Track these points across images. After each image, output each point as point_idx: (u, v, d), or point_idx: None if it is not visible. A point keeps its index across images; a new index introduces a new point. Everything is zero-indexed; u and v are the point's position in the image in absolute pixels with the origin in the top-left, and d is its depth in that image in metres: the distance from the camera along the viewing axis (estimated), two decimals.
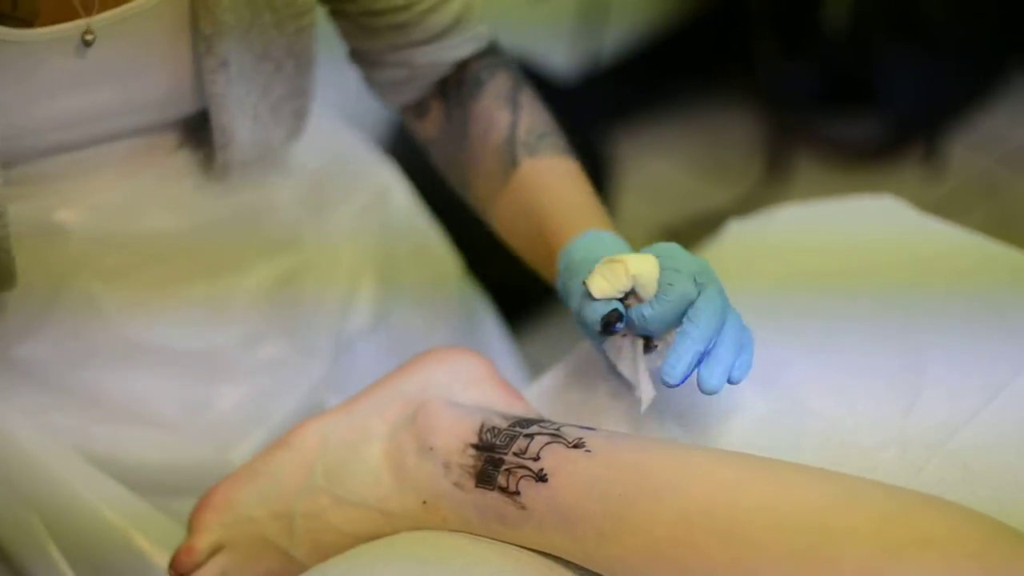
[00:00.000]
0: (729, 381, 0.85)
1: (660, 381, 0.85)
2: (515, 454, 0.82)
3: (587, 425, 0.87)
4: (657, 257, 0.87)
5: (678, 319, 0.85)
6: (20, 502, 1.02)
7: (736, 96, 2.49)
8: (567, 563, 0.83)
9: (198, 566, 0.91)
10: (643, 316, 0.85)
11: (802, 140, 2.41)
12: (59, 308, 1.04)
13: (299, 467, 0.90)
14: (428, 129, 1.12)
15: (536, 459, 0.82)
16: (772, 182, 2.34)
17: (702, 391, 0.84)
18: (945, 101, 2.39)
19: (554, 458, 0.82)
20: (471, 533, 0.85)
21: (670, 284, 0.85)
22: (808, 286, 1.10)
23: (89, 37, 0.92)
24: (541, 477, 0.81)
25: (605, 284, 0.86)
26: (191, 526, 0.94)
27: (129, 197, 1.06)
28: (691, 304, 0.85)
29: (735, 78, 2.47)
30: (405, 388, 0.93)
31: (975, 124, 2.43)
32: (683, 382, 0.84)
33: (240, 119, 1.04)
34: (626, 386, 0.96)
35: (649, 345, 0.89)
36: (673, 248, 0.88)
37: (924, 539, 0.72)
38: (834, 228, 1.19)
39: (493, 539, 0.84)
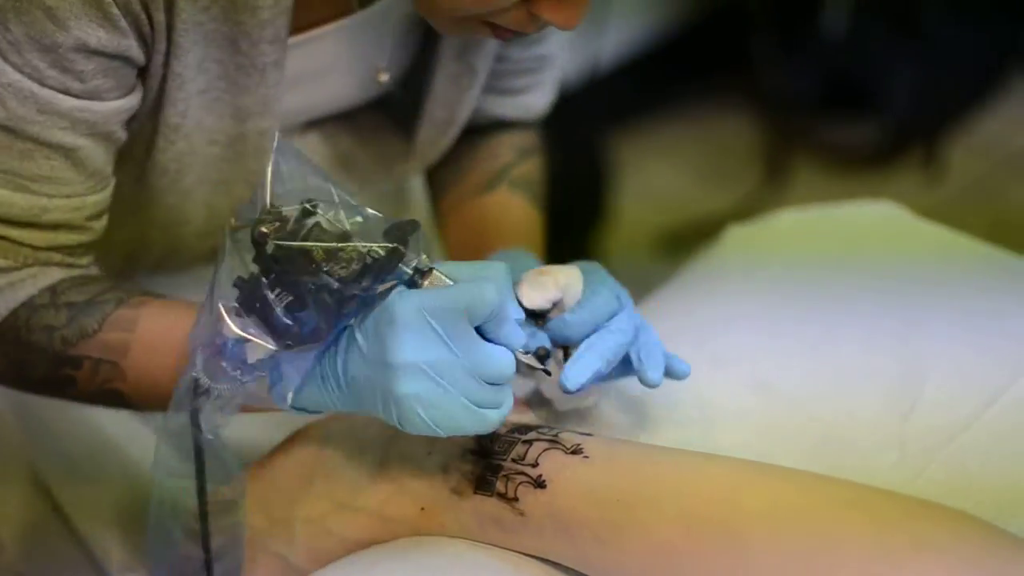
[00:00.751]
0: (651, 383, 0.87)
1: (564, 384, 0.85)
2: (513, 460, 0.82)
3: (585, 431, 0.87)
4: (581, 271, 0.88)
5: (595, 328, 0.86)
6: (89, 478, 1.06)
7: (735, 100, 2.49)
8: (566, 569, 0.83)
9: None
10: (564, 322, 0.86)
11: (801, 144, 2.42)
12: None
13: (298, 473, 0.90)
14: None
15: (534, 465, 0.82)
16: (771, 186, 2.35)
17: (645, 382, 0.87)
18: (944, 106, 2.40)
19: (552, 464, 0.82)
20: (470, 539, 0.84)
21: (595, 294, 0.87)
22: (807, 290, 1.10)
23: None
24: (539, 483, 0.81)
25: (534, 294, 0.87)
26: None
27: None
28: (613, 315, 0.87)
29: (734, 82, 2.47)
30: None
31: (974, 129, 2.43)
32: (584, 387, 0.85)
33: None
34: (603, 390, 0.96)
35: (567, 355, 0.88)
36: (596, 266, 0.90)
37: (923, 544, 0.72)
38: (833, 233, 1.19)
39: (492, 545, 0.84)
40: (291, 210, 0.77)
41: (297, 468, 0.90)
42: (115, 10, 0.83)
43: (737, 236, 1.21)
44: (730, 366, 1.01)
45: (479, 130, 1.17)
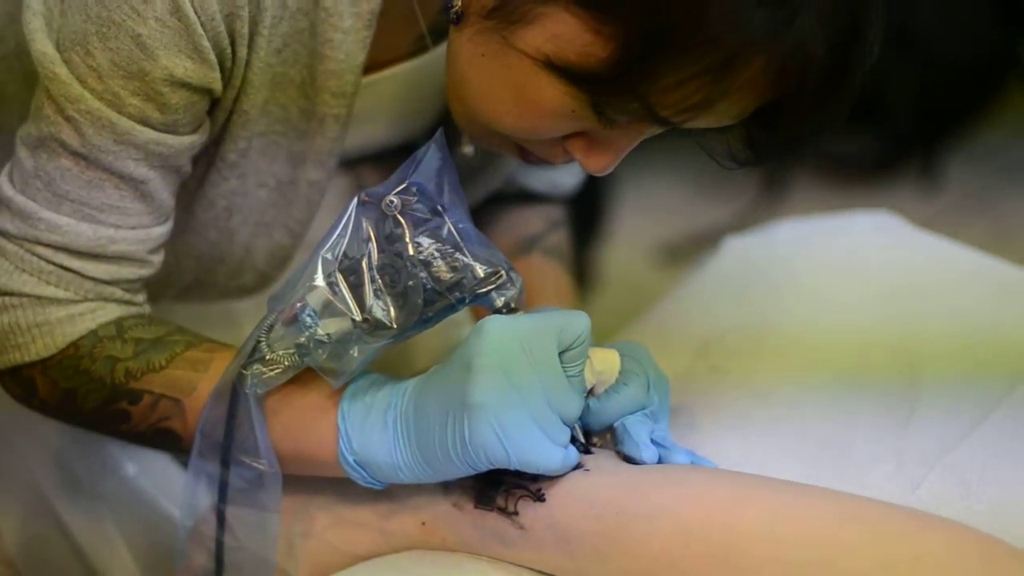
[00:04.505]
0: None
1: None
2: (514, 474, 0.82)
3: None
4: (620, 353, 0.87)
5: (617, 418, 0.86)
6: (91, 494, 1.06)
7: None
8: None
9: None
10: (587, 408, 0.86)
11: (799, 155, 2.42)
12: None
13: (299, 488, 0.90)
14: None
15: (534, 479, 0.82)
16: (769, 198, 2.35)
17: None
18: (942, 116, 2.40)
19: (552, 478, 0.82)
20: (470, 553, 0.85)
21: (626, 383, 0.86)
22: (805, 301, 1.10)
23: None
24: (539, 497, 0.81)
25: None
26: (190, 544, 0.94)
27: None
28: (639, 408, 0.86)
29: None
30: None
31: (972, 139, 2.44)
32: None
33: None
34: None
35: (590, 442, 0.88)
36: (638, 349, 0.89)
37: (921, 556, 0.72)
38: (831, 244, 1.19)
39: (492, 559, 0.84)
40: (423, 201, 0.80)
41: (298, 483, 0.90)
42: (205, 42, 0.82)
43: (735, 247, 1.22)
44: (729, 375, 1.01)
45: (508, 199, 1.17)
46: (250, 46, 0.85)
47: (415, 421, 0.79)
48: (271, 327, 0.82)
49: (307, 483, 0.90)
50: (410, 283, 0.79)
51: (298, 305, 0.81)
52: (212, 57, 0.83)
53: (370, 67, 0.92)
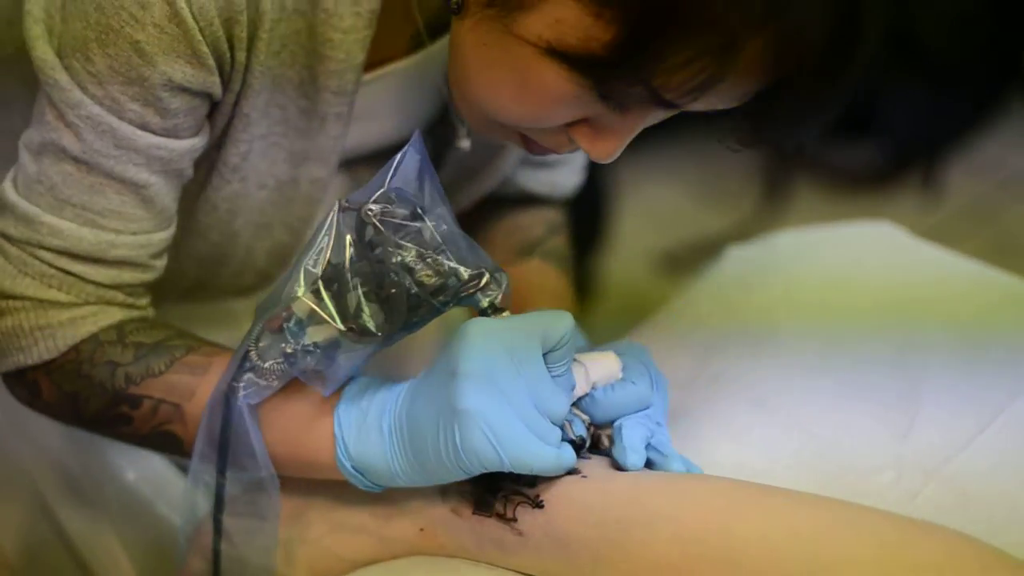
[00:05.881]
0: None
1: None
2: (512, 480, 0.82)
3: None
4: (620, 355, 0.87)
5: (620, 415, 0.86)
6: (95, 509, 1.06)
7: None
8: None
9: None
10: (592, 399, 0.86)
11: (800, 166, 2.42)
12: None
13: (297, 493, 0.90)
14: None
15: (532, 485, 0.82)
16: (771, 208, 2.35)
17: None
18: (943, 127, 2.40)
19: (550, 484, 0.82)
20: (468, 559, 0.85)
21: (632, 382, 0.86)
22: (806, 311, 1.10)
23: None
24: (538, 504, 0.81)
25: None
26: (189, 550, 0.94)
27: None
28: (641, 408, 0.86)
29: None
30: None
31: (973, 150, 2.44)
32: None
33: None
34: None
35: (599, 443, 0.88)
36: (640, 350, 0.89)
37: (921, 566, 0.72)
38: (832, 254, 1.19)
39: (490, 565, 0.84)
40: (403, 206, 0.80)
41: (295, 489, 0.90)
42: (204, 47, 0.82)
43: (737, 257, 1.22)
44: (729, 385, 1.02)
45: (507, 202, 1.17)
46: (249, 49, 0.85)
47: (408, 428, 0.80)
48: (259, 337, 0.82)
49: (304, 489, 0.90)
50: (393, 290, 0.78)
51: (283, 315, 0.81)
52: (211, 62, 0.83)
53: (367, 65, 0.92)
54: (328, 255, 0.79)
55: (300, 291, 0.79)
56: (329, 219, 0.80)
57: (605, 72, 0.74)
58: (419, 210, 0.80)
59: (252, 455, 0.83)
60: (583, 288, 2.00)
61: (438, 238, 0.80)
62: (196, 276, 1.01)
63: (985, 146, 2.45)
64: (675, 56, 0.71)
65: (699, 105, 0.76)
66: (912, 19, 2.23)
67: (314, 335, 0.80)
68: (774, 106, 0.77)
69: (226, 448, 0.83)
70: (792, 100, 0.76)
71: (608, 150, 0.83)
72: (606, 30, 0.72)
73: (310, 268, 0.79)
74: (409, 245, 0.79)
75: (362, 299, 0.79)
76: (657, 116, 0.81)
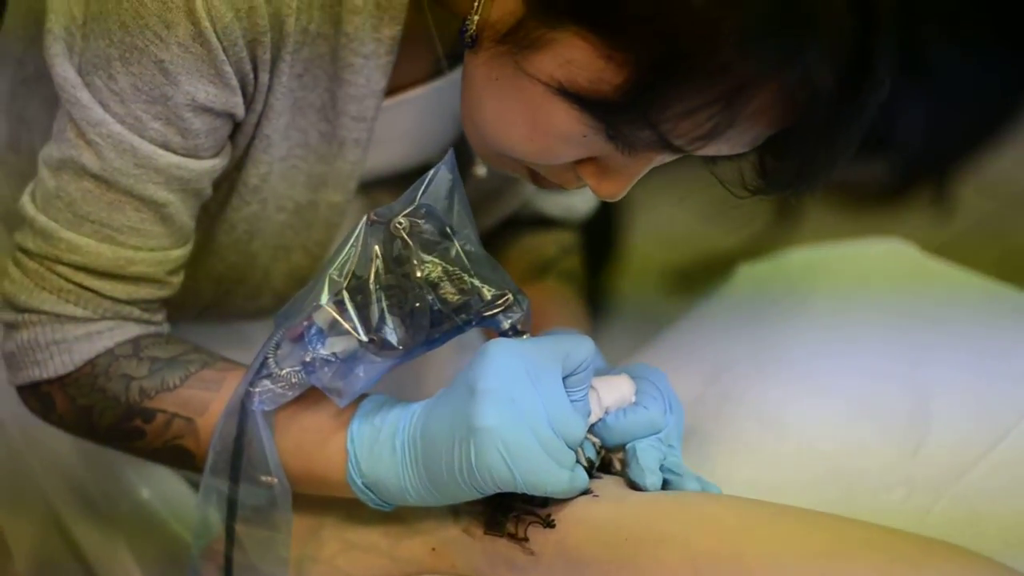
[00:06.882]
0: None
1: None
2: (523, 500, 0.82)
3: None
4: (635, 379, 0.87)
5: (631, 439, 0.86)
6: (104, 515, 1.07)
7: None
8: None
9: None
10: (605, 425, 0.86)
11: (811, 186, 2.41)
12: None
13: (309, 513, 0.90)
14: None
15: (544, 505, 0.82)
16: (782, 224, 2.35)
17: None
18: (954, 143, 2.40)
19: (562, 504, 0.82)
20: None
21: (644, 406, 0.86)
22: (817, 327, 1.10)
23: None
24: (549, 523, 0.82)
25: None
26: (203, 560, 0.94)
27: None
28: (653, 433, 0.85)
29: None
30: None
31: (984, 166, 2.43)
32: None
33: None
34: None
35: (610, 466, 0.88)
36: (656, 373, 0.89)
37: None
38: (843, 270, 1.19)
39: None
40: (431, 223, 0.80)
41: (308, 508, 0.91)
42: (228, 68, 0.82)
43: (748, 274, 1.22)
44: (740, 402, 1.02)
45: (522, 223, 1.18)
46: (272, 71, 0.86)
47: (422, 445, 0.80)
48: (278, 345, 0.82)
49: (317, 508, 0.90)
50: (417, 304, 0.79)
51: (304, 323, 0.81)
52: (234, 82, 0.83)
53: (388, 91, 0.92)
54: (353, 266, 0.80)
55: (323, 300, 0.80)
56: (357, 230, 0.81)
57: (613, 114, 0.74)
58: (448, 228, 0.81)
59: (265, 462, 0.83)
60: (594, 305, 2.00)
61: (464, 258, 0.80)
62: (212, 296, 1.01)
63: (996, 163, 2.44)
64: (684, 102, 0.72)
65: (708, 150, 0.77)
66: (924, 36, 2.23)
67: (334, 345, 0.80)
68: (783, 154, 0.77)
69: (240, 454, 0.83)
70: (802, 148, 0.76)
71: (615, 190, 0.83)
72: (617, 73, 0.72)
73: (335, 278, 0.80)
74: (436, 261, 0.79)
75: (385, 312, 0.79)
76: (665, 158, 0.82)
